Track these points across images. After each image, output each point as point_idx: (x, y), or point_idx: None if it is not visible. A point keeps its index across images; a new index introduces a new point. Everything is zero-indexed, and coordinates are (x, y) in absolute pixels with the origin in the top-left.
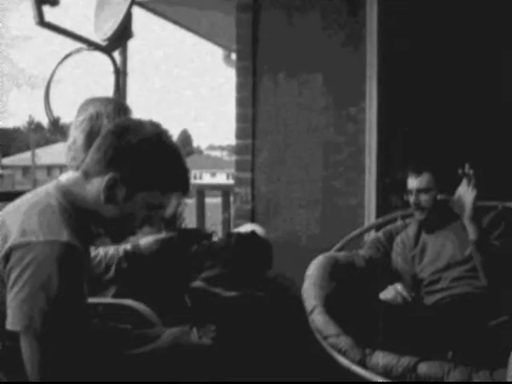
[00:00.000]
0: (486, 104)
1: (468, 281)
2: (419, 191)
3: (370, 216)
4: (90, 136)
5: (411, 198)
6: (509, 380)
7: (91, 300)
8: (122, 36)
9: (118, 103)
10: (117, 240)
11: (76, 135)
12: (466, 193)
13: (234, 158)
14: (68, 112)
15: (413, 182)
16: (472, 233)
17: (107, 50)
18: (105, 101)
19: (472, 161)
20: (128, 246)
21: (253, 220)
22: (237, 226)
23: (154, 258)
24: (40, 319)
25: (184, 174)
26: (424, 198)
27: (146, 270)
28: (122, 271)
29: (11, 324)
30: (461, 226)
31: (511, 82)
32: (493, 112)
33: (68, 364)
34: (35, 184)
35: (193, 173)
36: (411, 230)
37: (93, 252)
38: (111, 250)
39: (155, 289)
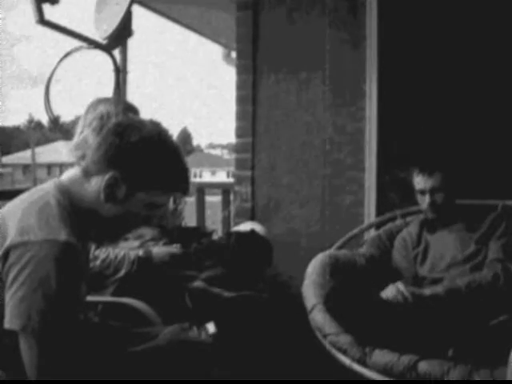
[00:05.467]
0: (487, 102)
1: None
2: (434, 190)
3: (370, 214)
4: None
5: (426, 198)
6: (509, 378)
7: (90, 298)
8: (121, 34)
9: (126, 104)
10: (114, 239)
11: (87, 134)
12: None
13: (234, 156)
14: (68, 110)
15: (426, 182)
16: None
17: (107, 48)
18: (114, 101)
19: (473, 159)
20: (140, 252)
21: (253, 218)
22: (237, 224)
23: (162, 268)
24: (38, 318)
25: (184, 173)
26: (439, 196)
27: (151, 275)
28: (131, 274)
29: (9, 323)
30: (462, 227)
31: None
32: (493, 110)
33: (66, 362)
34: (35, 182)
35: (193, 171)
36: (413, 228)
37: (102, 253)
38: (121, 252)
39: (155, 289)
